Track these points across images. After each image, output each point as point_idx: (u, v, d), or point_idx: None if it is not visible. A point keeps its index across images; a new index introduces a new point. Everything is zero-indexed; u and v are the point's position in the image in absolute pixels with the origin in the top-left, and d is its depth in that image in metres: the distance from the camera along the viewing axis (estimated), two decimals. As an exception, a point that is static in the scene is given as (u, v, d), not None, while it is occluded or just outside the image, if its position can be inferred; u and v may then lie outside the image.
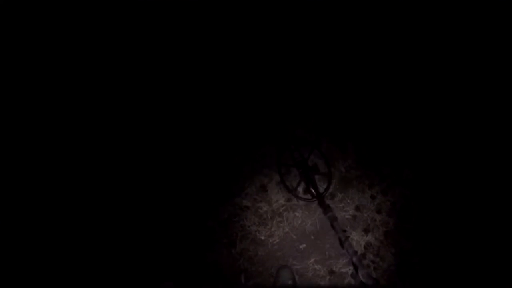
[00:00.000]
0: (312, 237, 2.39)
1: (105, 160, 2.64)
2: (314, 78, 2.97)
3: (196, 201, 2.56)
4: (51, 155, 2.33)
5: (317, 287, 2.23)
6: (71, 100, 2.35)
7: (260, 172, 2.65)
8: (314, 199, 2.42)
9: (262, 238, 2.43)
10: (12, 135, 1.96)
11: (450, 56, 2.85)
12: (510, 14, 2.63)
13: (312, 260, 2.30)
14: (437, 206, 2.45)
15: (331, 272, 2.26)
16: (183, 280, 2.27)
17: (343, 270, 2.26)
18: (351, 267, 2.20)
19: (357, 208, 2.47)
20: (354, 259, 2.03)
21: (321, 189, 2.46)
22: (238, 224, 2.48)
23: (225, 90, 2.95)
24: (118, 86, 2.77)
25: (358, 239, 2.36)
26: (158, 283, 2.23)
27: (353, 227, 2.41)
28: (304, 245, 2.36)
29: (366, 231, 2.38)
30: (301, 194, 2.54)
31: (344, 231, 2.36)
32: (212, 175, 2.66)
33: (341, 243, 2.18)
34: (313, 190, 2.42)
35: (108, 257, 2.32)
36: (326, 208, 2.29)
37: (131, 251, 2.36)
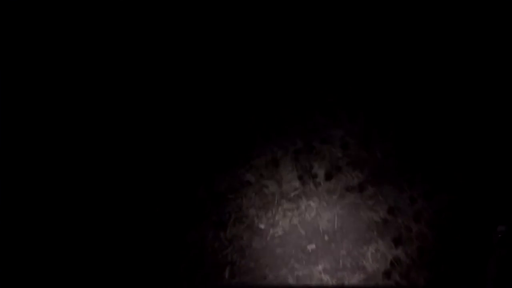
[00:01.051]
0: (326, 238, 1.83)
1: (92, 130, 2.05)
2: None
3: (189, 161, 1.97)
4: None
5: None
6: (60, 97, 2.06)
7: (273, 141, 2.03)
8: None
9: (262, 226, 1.88)
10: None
11: None
12: None
13: (320, 267, 1.76)
14: (493, 226, 1.85)
15: None
16: (151, 260, 1.76)
17: None
18: None
19: (390, 211, 1.87)
20: None
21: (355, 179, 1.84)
22: (234, 202, 1.91)
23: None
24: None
25: (384, 250, 1.79)
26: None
27: (381, 235, 1.83)
28: (313, 246, 1.81)
29: (397, 242, 1.81)
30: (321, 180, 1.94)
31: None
32: (214, 132, 2.04)
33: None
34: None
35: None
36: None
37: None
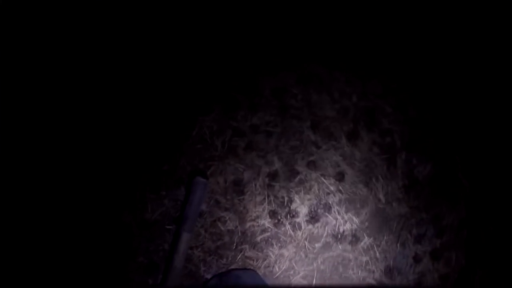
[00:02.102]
0: (299, 306, 1.27)
1: None
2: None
3: (112, 173, 1.30)
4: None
5: None
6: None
7: (239, 156, 1.40)
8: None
9: (208, 277, 1.28)
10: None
11: None
12: None
13: None
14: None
15: None
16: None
17: None
18: None
19: (388, 272, 1.36)
20: None
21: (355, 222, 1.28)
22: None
23: None
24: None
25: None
26: None
27: (373, 307, 1.31)
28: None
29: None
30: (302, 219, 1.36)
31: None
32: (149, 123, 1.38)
33: None
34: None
35: None
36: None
37: None
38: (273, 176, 1.40)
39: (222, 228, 1.33)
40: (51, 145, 1.35)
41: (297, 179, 1.40)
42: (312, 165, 1.43)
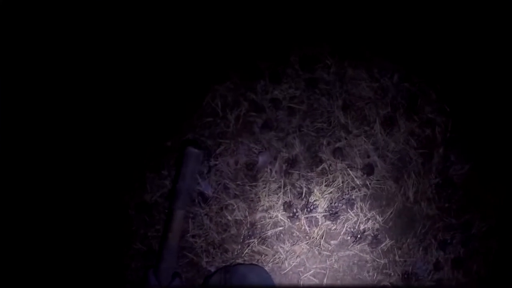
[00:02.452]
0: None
1: None
2: None
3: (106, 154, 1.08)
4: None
5: None
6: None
7: (256, 133, 1.19)
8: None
9: (212, 270, 1.15)
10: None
11: None
12: None
13: None
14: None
15: None
16: None
17: None
18: None
19: (405, 277, 1.24)
20: None
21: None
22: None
23: None
24: None
25: None
26: None
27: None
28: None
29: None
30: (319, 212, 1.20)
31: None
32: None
33: None
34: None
35: None
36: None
37: None
38: (292, 162, 1.20)
39: (229, 218, 1.17)
40: (47, 119, 1.11)
41: (319, 168, 1.21)
42: (338, 153, 1.22)
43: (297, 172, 1.20)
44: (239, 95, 1.23)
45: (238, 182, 1.19)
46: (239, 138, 1.21)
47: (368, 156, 1.25)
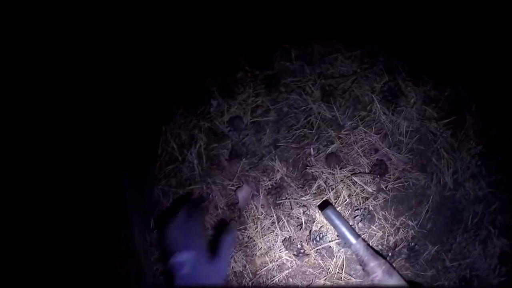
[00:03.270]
0: None
1: None
2: None
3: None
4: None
5: None
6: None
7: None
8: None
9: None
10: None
11: None
12: None
13: None
14: None
15: None
16: None
17: None
18: None
19: (464, 282, 0.95)
20: None
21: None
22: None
23: None
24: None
25: None
26: None
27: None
28: None
29: None
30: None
31: None
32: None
33: None
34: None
35: None
36: None
37: None
38: (278, 189, 0.94)
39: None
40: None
41: (314, 187, 0.93)
42: (333, 159, 0.93)
43: (288, 199, 0.94)
44: (192, 128, 0.99)
45: (222, 232, 0.97)
46: (209, 178, 0.98)
47: (375, 151, 0.93)
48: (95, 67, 0.97)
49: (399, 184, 0.93)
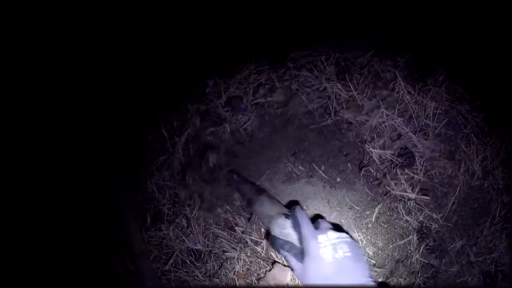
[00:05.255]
0: None
1: None
2: None
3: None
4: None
5: None
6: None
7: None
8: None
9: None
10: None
11: None
12: None
13: None
14: None
15: None
16: None
17: None
18: None
19: (488, 278, 0.87)
20: None
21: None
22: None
23: None
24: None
25: None
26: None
27: None
28: None
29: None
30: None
31: None
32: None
33: None
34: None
35: None
36: None
37: None
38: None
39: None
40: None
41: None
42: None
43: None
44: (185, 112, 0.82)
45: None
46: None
47: (398, 136, 0.80)
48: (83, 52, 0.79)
49: (426, 173, 0.80)
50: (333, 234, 0.58)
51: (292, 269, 0.62)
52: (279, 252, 0.66)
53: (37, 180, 0.84)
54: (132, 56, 0.83)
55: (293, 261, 0.60)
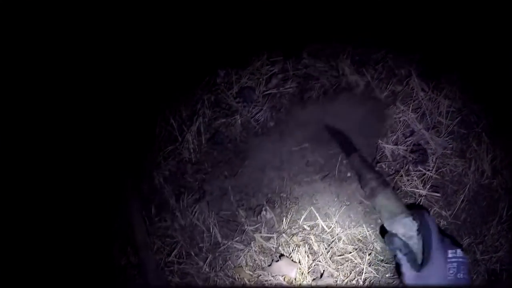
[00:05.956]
0: None
1: None
2: None
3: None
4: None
5: None
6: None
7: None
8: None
9: None
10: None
11: None
12: None
13: None
14: None
15: None
16: None
17: None
18: None
19: (494, 276, 0.87)
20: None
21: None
22: None
23: None
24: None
25: None
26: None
27: None
28: None
29: None
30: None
31: None
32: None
33: None
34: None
35: None
36: None
37: None
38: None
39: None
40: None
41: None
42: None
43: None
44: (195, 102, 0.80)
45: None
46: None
47: (411, 133, 0.79)
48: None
49: (437, 170, 0.80)
50: (461, 253, 0.57)
51: (399, 273, 0.60)
52: (394, 252, 0.64)
53: (39, 170, 0.82)
54: (140, 43, 0.81)
55: (406, 267, 0.59)
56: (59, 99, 0.82)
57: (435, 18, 0.80)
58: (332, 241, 0.79)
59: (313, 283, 0.79)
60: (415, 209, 0.65)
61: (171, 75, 0.83)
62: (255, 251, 0.81)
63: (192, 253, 0.84)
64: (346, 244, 0.79)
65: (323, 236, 0.80)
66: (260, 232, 0.81)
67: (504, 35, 0.79)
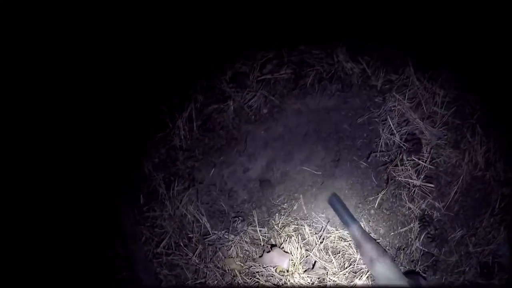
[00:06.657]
0: None
1: None
2: None
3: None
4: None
5: None
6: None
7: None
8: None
9: None
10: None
11: None
12: None
13: None
14: None
15: None
16: None
17: None
18: None
19: (486, 269, 0.86)
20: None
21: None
22: None
23: None
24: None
25: None
26: None
27: None
28: None
29: None
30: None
31: None
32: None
33: None
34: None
35: None
36: None
37: None
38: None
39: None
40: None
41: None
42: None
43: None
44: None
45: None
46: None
47: (406, 122, 0.78)
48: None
49: (432, 161, 0.79)
50: None
51: None
52: None
53: (28, 161, 0.78)
54: (129, 32, 0.78)
55: None
56: (51, 93, 0.79)
57: (431, 9, 0.79)
58: (324, 231, 0.77)
59: (305, 274, 0.77)
60: (411, 275, 0.66)
61: (161, 59, 0.80)
62: (246, 242, 0.79)
63: (181, 244, 0.81)
64: (339, 234, 0.77)
65: (316, 226, 0.79)
66: (251, 223, 0.79)
67: (501, 27, 0.79)
